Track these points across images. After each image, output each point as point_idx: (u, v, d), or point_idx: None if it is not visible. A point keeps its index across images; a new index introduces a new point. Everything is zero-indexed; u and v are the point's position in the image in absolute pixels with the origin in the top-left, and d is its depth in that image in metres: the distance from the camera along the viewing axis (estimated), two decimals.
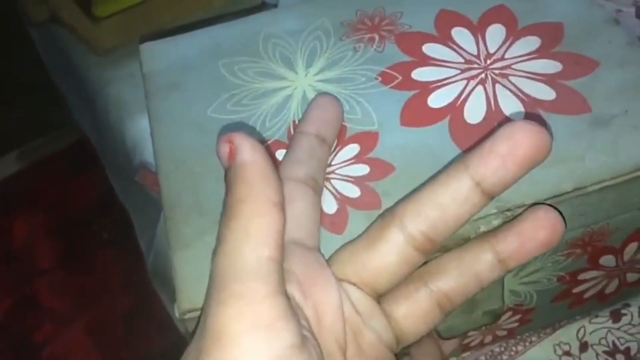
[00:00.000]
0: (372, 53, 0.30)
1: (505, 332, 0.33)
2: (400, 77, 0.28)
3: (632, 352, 0.33)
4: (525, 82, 0.27)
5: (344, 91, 0.28)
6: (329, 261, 0.22)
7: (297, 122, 0.27)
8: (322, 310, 0.20)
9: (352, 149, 0.26)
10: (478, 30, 0.30)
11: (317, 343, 0.19)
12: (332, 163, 0.26)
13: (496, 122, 0.26)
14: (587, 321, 0.35)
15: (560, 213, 0.22)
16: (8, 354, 1.00)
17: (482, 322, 0.26)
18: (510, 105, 0.27)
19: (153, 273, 0.58)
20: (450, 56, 0.29)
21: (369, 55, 0.30)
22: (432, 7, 0.31)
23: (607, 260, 0.29)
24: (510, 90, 0.27)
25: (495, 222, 0.23)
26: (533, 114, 0.26)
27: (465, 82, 0.28)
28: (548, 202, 0.24)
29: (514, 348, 0.34)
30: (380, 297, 0.22)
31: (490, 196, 0.20)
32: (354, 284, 0.21)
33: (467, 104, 0.27)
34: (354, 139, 0.27)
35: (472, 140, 0.26)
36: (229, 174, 0.20)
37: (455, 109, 0.27)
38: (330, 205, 0.24)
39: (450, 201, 0.20)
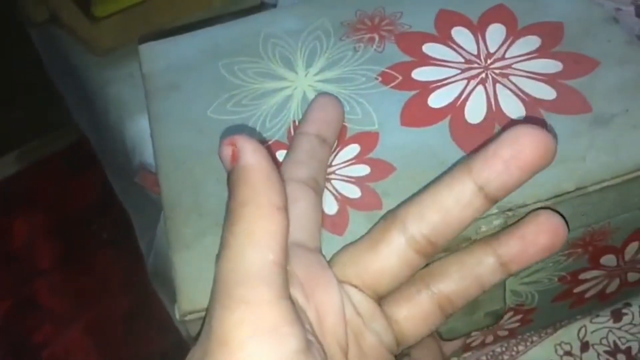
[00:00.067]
0: (372, 53, 0.30)
1: (506, 332, 0.33)
2: (400, 77, 0.28)
3: (633, 352, 0.33)
4: (526, 81, 0.27)
5: (344, 91, 0.28)
6: (330, 263, 0.22)
7: (297, 122, 0.27)
8: (324, 313, 0.20)
9: (353, 149, 0.26)
10: (478, 29, 0.30)
11: (321, 347, 0.19)
12: (333, 163, 0.26)
13: (497, 121, 0.26)
14: (588, 321, 0.35)
15: (563, 217, 0.22)
16: (8, 355, 1.00)
17: (484, 324, 0.26)
18: (510, 105, 0.27)
19: (153, 274, 0.58)
20: (450, 56, 0.29)
21: (369, 55, 0.30)
22: (432, 7, 0.31)
23: (608, 259, 0.29)
24: (511, 90, 0.27)
25: (497, 222, 0.23)
26: (536, 118, 0.26)
27: (465, 81, 0.28)
28: (549, 202, 0.24)
29: (515, 348, 0.34)
30: (381, 299, 0.22)
31: (493, 200, 0.20)
32: (355, 286, 0.21)
33: (467, 104, 0.27)
34: (354, 139, 0.26)
35: (473, 140, 0.26)
36: (231, 177, 0.20)
37: (455, 108, 0.27)
38: (330, 206, 0.24)
39: (453, 205, 0.20)
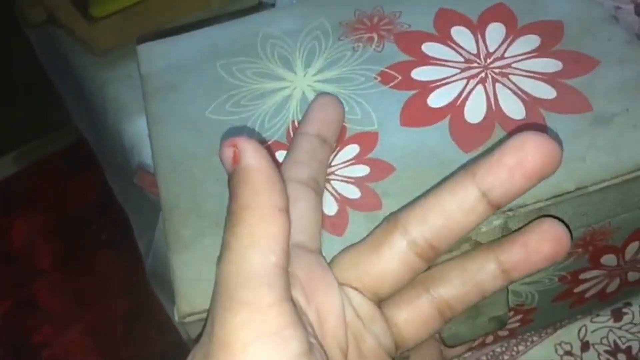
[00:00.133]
0: (371, 53, 0.30)
1: (506, 332, 0.32)
2: (399, 77, 0.28)
3: (634, 352, 0.33)
4: (526, 81, 0.27)
5: (343, 91, 0.28)
6: (330, 265, 0.22)
7: (296, 122, 0.27)
8: (324, 315, 0.20)
9: (352, 150, 0.26)
10: (477, 29, 0.30)
11: (322, 349, 0.19)
12: (332, 164, 0.26)
13: (497, 121, 0.26)
14: (589, 320, 0.34)
15: (568, 227, 0.21)
16: (8, 355, 0.99)
17: (488, 329, 0.25)
18: (510, 104, 0.26)
19: (152, 275, 0.58)
20: (449, 55, 0.29)
21: (368, 55, 0.30)
22: (431, 6, 0.31)
23: (609, 259, 0.29)
24: (511, 90, 0.27)
25: (497, 222, 0.23)
26: (540, 124, 0.26)
27: (465, 81, 0.28)
28: (549, 201, 0.24)
29: (515, 348, 0.34)
30: (381, 301, 0.22)
31: (496, 206, 0.20)
32: (356, 289, 0.21)
33: (467, 104, 0.27)
34: (354, 139, 0.26)
35: (473, 140, 0.26)
36: (232, 179, 0.20)
37: (455, 108, 0.27)
38: (330, 207, 0.24)
39: (455, 210, 0.20)
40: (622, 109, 0.26)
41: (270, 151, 0.26)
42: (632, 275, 0.31)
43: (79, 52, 0.57)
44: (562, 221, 0.22)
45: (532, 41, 0.29)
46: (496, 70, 0.28)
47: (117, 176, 0.63)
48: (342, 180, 0.25)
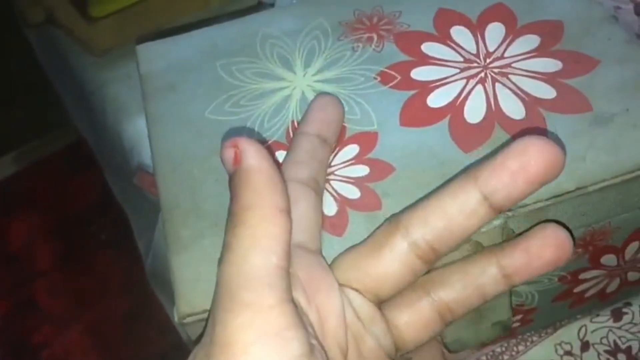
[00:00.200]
0: (371, 53, 0.30)
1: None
2: (399, 77, 0.28)
3: (634, 351, 0.33)
4: (526, 80, 0.27)
5: (343, 91, 0.28)
6: (331, 266, 0.22)
7: (296, 122, 0.27)
8: (325, 315, 0.20)
9: (352, 150, 0.26)
10: (477, 28, 0.30)
11: (323, 349, 0.19)
12: (332, 164, 0.26)
13: (496, 121, 0.26)
14: (588, 320, 0.34)
15: (571, 232, 0.21)
16: (8, 355, 0.99)
17: (491, 335, 0.25)
18: (510, 104, 0.26)
19: (151, 275, 0.58)
20: (449, 55, 0.29)
21: (367, 55, 0.30)
22: (431, 6, 0.31)
23: (608, 259, 0.29)
24: (510, 89, 0.27)
25: (496, 222, 0.23)
26: (541, 128, 0.26)
27: (464, 81, 0.28)
28: (549, 201, 0.24)
29: (515, 348, 0.34)
30: (381, 303, 0.22)
31: (498, 210, 0.20)
32: (356, 290, 0.21)
33: (467, 103, 0.27)
34: (353, 139, 0.26)
35: (473, 140, 0.26)
36: (234, 180, 0.20)
37: (455, 108, 0.27)
38: (330, 207, 0.24)
39: (457, 213, 0.20)
40: (622, 109, 0.26)
41: (270, 151, 0.26)
42: (632, 275, 0.31)
43: (78, 52, 0.57)
44: (566, 227, 0.21)
45: (531, 41, 0.29)
46: (496, 70, 0.28)
47: (116, 176, 0.63)
48: (341, 181, 0.25)
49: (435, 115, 0.27)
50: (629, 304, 0.35)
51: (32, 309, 1.04)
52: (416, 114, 0.27)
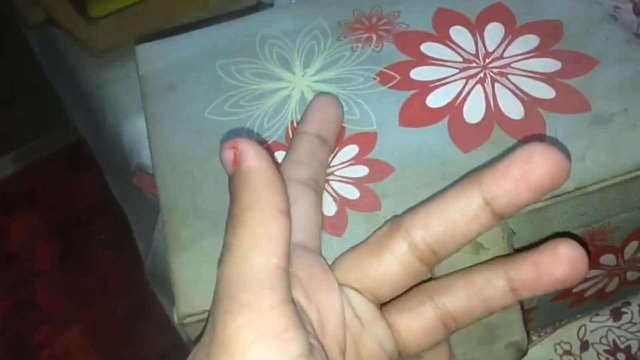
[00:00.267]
0: (370, 53, 0.30)
1: None
2: (398, 77, 0.28)
3: (633, 351, 0.33)
4: (525, 80, 0.27)
5: (342, 91, 0.28)
6: (331, 266, 0.22)
7: (295, 123, 0.27)
8: (325, 315, 0.20)
9: (351, 150, 0.26)
10: (476, 28, 0.30)
11: (323, 349, 0.19)
12: (331, 164, 0.26)
13: (496, 121, 0.26)
14: (588, 320, 0.34)
15: (587, 250, 0.20)
16: (8, 355, 0.99)
17: (506, 358, 0.24)
18: (509, 104, 0.26)
19: (151, 276, 0.58)
20: (448, 55, 0.29)
21: (366, 55, 0.30)
22: (430, 6, 0.31)
23: (608, 259, 0.29)
24: (510, 89, 0.27)
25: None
26: (552, 137, 0.25)
27: (464, 81, 0.28)
28: (549, 201, 0.24)
29: None
30: (381, 304, 0.22)
31: (500, 216, 0.20)
32: (356, 289, 0.21)
33: (466, 104, 0.27)
34: (353, 139, 0.26)
35: (472, 140, 0.26)
36: (233, 181, 0.20)
37: (454, 108, 0.27)
38: (329, 207, 0.24)
39: (458, 217, 0.20)
40: (621, 109, 0.26)
41: (270, 152, 0.26)
42: (631, 275, 0.31)
43: (78, 53, 0.57)
44: (584, 244, 0.20)
45: (531, 41, 0.29)
46: (495, 70, 0.28)
47: (116, 176, 0.63)
48: (341, 181, 0.25)
49: (435, 115, 0.27)
50: (628, 304, 0.35)
51: (32, 309, 1.04)
52: (415, 114, 0.27)
